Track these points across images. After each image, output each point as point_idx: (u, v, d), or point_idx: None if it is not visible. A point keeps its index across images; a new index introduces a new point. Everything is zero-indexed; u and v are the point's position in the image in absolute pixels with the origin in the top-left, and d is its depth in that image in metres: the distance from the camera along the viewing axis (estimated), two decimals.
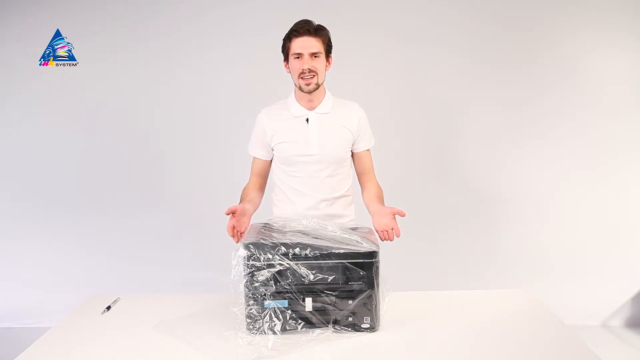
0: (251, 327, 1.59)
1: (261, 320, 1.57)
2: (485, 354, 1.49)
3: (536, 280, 3.21)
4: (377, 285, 1.59)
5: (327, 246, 1.57)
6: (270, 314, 1.57)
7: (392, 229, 1.76)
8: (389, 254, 1.95)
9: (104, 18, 3.26)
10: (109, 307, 1.83)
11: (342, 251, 1.57)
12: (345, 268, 1.57)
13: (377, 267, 1.59)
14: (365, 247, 1.59)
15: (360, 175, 2.08)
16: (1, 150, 3.37)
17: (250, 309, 1.58)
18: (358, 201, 2.10)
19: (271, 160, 2.06)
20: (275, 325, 1.57)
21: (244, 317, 1.60)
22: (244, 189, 2.03)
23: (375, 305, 1.59)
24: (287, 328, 1.57)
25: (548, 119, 3.28)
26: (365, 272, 1.57)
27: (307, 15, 1.94)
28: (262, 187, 2.07)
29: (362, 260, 1.57)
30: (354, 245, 1.60)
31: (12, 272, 3.41)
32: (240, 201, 1.95)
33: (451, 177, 3.36)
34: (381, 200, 1.98)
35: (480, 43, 3.25)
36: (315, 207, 1.98)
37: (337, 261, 1.56)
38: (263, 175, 2.07)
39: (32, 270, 3.40)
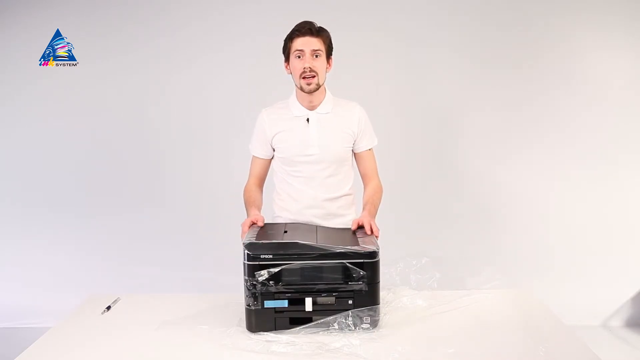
0: (251, 327, 1.59)
1: (261, 321, 1.57)
2: (485, 353, 1.49)
3: (536, 280, 3.20)
4: (377, 285, 1.59)
5: (327, 246, 1.57)
6: (270, 314, 1.57)
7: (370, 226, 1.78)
8: (389, 254, 1.95)
9: (104, 18, 3.26)
10: (109, 307, 1.83)
11: (342, 251, 1.57)
12: (345, 268, 1.57)
13: (377, 267, 1.59)
14: (365, 247, 1.59)
15: (362, 176, 2.08)
16: (1, 150, 3.37)
17: (250, 309, 1.58)
18: (360, 201, 2.10)
19: (271, 160, 2.07)
20: (275, 325, 1.57)
21: (244, 317, 1.60)
22: (247, 190, 2.03)
23: (375, 305, 1.59)
24: (287, 328, 1.58)
25: (548, 119, 3.27)
26: (365, 272, 1.57)
27: (308, 16, 1.95)
28: (262, 186, 2.09)
29: (362, 261, 1.57)
30: (354, 245, 1.60)
31: (12, 272, 3.41)
32: (246, 203, 1.97)
33: (452, 177, 3.35)
34: (373, 203, 1.96)
35: (480, 44, 3.24)
36: (316, 206, 1.99)
37: (337, 261, 1.56)
38: (263, 174, 2.09)
39: (32, 270, 3.40)
